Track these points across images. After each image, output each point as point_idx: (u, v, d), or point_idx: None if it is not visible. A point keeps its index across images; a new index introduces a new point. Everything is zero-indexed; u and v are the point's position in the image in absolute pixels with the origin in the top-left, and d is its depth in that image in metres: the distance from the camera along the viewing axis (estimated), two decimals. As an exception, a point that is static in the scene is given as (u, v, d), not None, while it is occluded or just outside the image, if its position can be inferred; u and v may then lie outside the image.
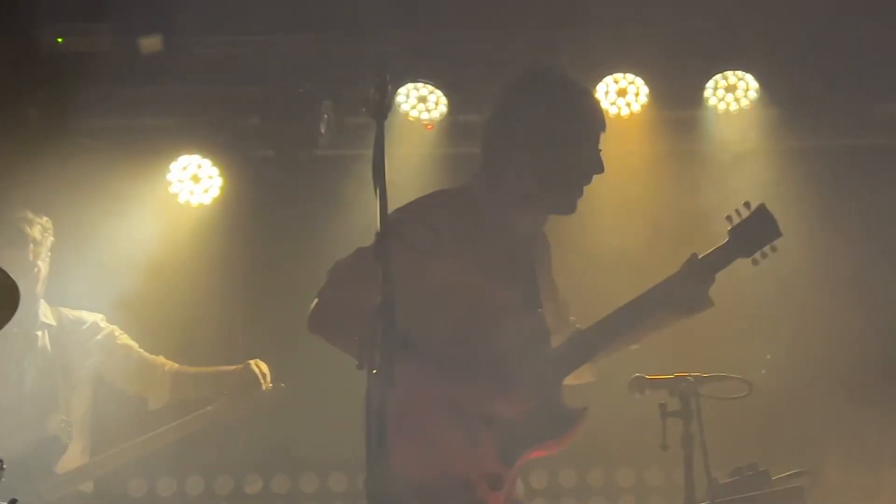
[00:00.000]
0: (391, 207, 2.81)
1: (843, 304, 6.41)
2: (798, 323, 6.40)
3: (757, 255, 3.81)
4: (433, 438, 3.32)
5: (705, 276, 3.69)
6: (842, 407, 5.99)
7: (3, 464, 3.85)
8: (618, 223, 6.32)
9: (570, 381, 3.74)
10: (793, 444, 5.90)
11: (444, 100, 6.40)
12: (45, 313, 5.39)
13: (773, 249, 3.82)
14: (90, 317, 5.44)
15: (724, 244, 3.78)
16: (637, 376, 4.26)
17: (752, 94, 6.35)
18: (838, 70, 6.17)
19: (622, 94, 6.37)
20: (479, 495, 3.32)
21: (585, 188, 3.60)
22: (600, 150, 3.63)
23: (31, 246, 5.27)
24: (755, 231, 3.79)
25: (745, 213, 3.82)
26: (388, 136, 2.94)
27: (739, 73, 6.33)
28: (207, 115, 6.42)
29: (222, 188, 6.52)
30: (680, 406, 4.00)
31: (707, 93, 6.37)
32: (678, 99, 6.46)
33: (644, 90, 6.35)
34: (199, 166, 6.52)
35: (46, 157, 6.32)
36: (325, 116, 6.30)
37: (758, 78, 6.32)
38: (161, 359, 5.43)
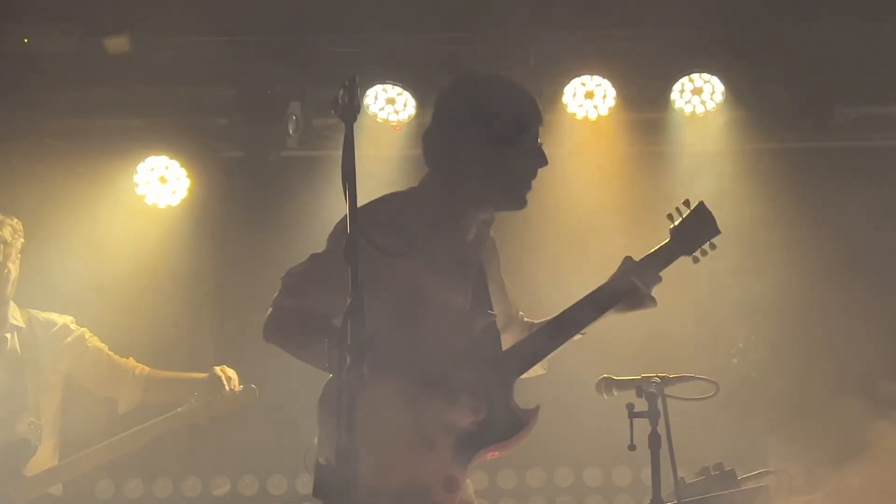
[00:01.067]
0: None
1: (809, 302, 6.47)
2: (764, 323, 6.46)
3: (697, 252, 3.82)
4: (393, 445, 3.34)
5: (648, 275, 3.71)
6: (808, 405, 6.04)
7: None
8: (586, 225, 6.35)
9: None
10: (759, 443, 5.94)
11: (412, 101, 6.40)
12: (15, 315, 5.34)
13: (713, 247, 3.85)
14: (60, 319, 5.39)
15: (665, 243, 3.82)
16: (605, 377, 4.29)
17: (718, 97, 6.39)
18: (801, 73, 6.22)
19: (590, 97, 6.39)
20: (436, 498, 3.35)
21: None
22: (541, 144, 3.64)
23: (1, 247, 5.23)
24: (696, 229, 3.84)
25: (685, 212, 3.85)
26: (357, 138, 2.94)
27: (706, 75, 6.37)
28: (175, 116, 6.40)
29: (190, 189, 6.49)
30: (647, 406, 4.02)
31: (674, 95, 6.41)
32: (645, 101, 6.50)
33: (611, 92, 6.38)
34: (167, 167, 6.50)
35: (13, 157, 6.29)
36: (294, 117, 6.29)
37: (723, 81, 6.37)
38: (132, 361, 5.41)
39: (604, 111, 6.40)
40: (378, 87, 6.37)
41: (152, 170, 6.49)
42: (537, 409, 3.56)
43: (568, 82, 6.37)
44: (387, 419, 3.32)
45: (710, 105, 6.39)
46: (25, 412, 5.21)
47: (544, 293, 6.40)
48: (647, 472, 4.04)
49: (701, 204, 3.88)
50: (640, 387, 4.09)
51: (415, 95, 6.40)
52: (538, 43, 6.36)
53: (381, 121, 6.41)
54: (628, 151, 6.57)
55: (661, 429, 3.99)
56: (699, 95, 6.39)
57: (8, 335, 5.30)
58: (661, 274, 3.79)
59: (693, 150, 6.52)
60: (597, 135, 6.44)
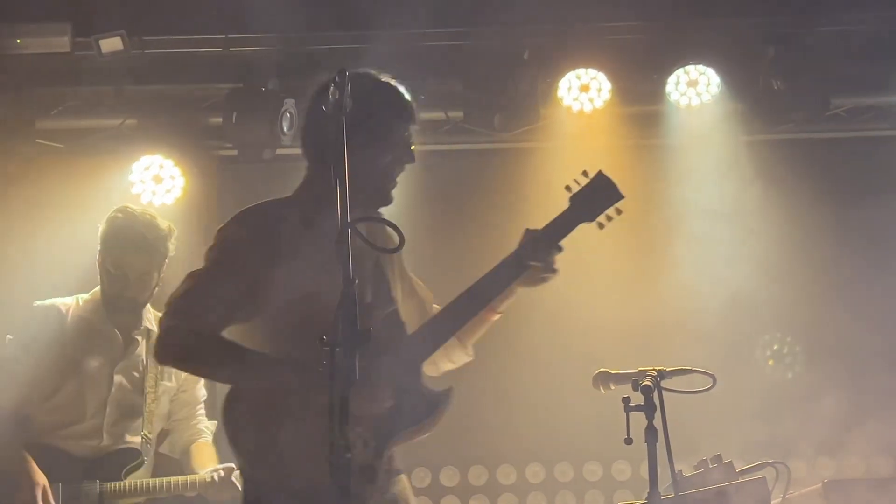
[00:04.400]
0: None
1: (810, 293, 6.47)
2: (759, 314, 6.45)
3: (601, 218, 3.82)
4: (303, 446, 3.31)
5: (548, 244, 3.70)
6: (808, 397, 6.04)
7: None
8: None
9: (447, 365, 3.79)
10: (757, 435, 5.94)
11: (406, 97, 6.38)
12: (149, 318, 5.03)
13: (619, 212, 3.84)
14: None
15: (564, 211, 3.79)
16: (601, 371, 4.28)
17: (714, 89, 6.38)
18: (797, 64, 6.21)
19: (585, 90, 6.38)
20: (354, 489, 3.34)
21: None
22: (411, 142, 3.64)
23: (150, 256, 4.97)
24: (596, 196, 3.82)
25: (584, 181, 3.84)
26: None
27: (701, 67, 6.36)
28: (169, 115, 6.38)
29: (185, 188, 6.48)
30: (644, 400, 4.01)
31: (669, 87, 6.39)
32: (641, 94, 6.49)
33: (606, 86, 6.37)
34: (161, 166, 6.48)
35: (6, 158, 6.28)
36: (288, 115, 6.27)
37: (719, 72, 6.35)
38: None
39: (599, 104, 6.39)
40: (372, 83, 6.34)
41: (147, 169, 6.48)
42: (450, 390, 3.54)
43: (563, 76, 6.36)
44: (295, 421, 3.32)
45: (706, 97, 6.38)
46: (141, 422, 4.97)
47: (540, 290, 6.42)
48: (646, 465, 4.02)
49: (600, 172, 3.86)
50: (636, 380, 4.08)
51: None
52: (532, 37, 6.35)
53: (375, 117, 6.37)
54: (624, 144, 6.55)
55: (657, 422, 3.98)
56: (694, 87, 6.38)
57: (139, 338, 5.03)
58: (563, 243, 3.75)
59: (689, 142, 6.51)
60: (592, 128, 6.44)
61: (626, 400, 4.01)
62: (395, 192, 3.64)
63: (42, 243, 6.08)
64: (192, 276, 3.46)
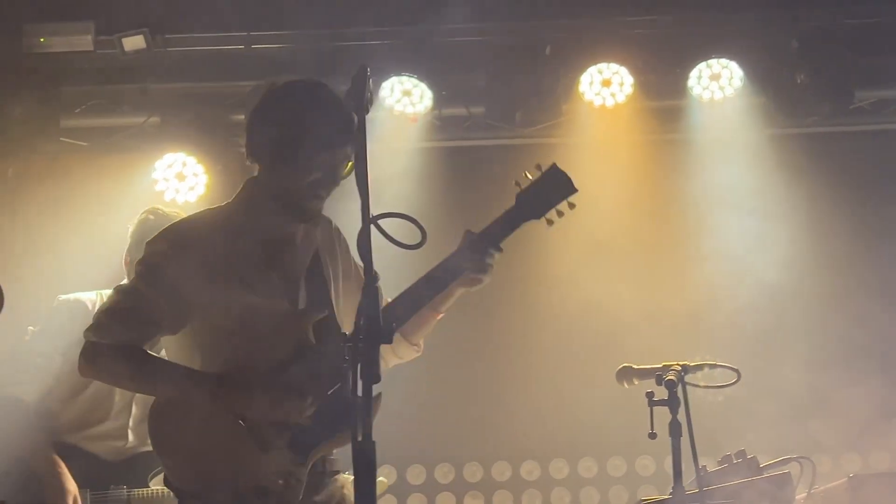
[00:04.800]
0: (373, 200, 2.80)
1: (835, 287, 6.44)
2: (785, 307, 6.43)
3: (550, 214, 3.70)
4: (227, 455, 3.39)
5: (484, 247, 3.61)
6: (833, 392, 6.01)
7: None
8: (604, 212, 6.32)
9: (393, 360, 3.77)
10: (782, 430, 5.92)
11: (428, 93, 6.39)
12: None
13: (572, 206, 3.71)
14: None
15: (506, 211, 3.69)
16: (625, 366, 4.27)
17: (737, 83, 6.35)
18: (821, 57, 6.18)
19: (607, 85, 6.37)
20: (279, 498, 3.40)
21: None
22: (336, 164, 3.54)
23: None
24: (545, 192, 3.69)
25: (536, 175, 3.73)
26: (373, 130, 2.93)
27: (724, 61, 6.33)
28: (192, 113, 6.40)
29: (208, 185, 6.50)
30: (667, 395, 4.00)
31: (691, 82, 6.37)
32: (663, 88, 6.47)
33: (629, 80, 6.35)
34: (185, 164, 6.51)
35: (32, 156, 6.32)
36: (311, 111, 6.27)
37: (742, 66, 6.32)
38: None
39: (621, 99, 6.37)
40: (394, 80, 6.36)
41: (170, 166, 6.51)
42: (378, 395, 3.45)
43: (584, 71, 6.35)
44: (218, 431, 3.38)
45: (729, 91, 6.36)
46: (119, 410, 4.97)
47: (564, 280, 6.42)
48: (670, 461, 4.01)
49: (553, 166, 3.73)
50: (659, 375, 4.06)
51: (431, 87, 6.39)
52: (554, 32, 6.34)
53: (397, 113, 6.39)
54: (646, 139, 6.55)
55: (681, 417, 3.96)
56: (717, 81, 6.36)
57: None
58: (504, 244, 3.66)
59: (712, 136, 6.49)
60: (615, 123, 6.42)
61: (649, 395, 4.00)
62: (323, 204, 3.59)
63: (67, 240, 6.11)
64: (117, 292, 3.51)
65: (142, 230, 4.98)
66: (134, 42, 6.21)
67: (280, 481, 3.39)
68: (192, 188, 6.51)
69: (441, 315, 3.76)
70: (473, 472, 6.72)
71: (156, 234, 3.58)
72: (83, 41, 6.26)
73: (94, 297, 5.03)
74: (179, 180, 6.51)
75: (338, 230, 3.75)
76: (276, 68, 6.30)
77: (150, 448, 4.85)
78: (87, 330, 3.50)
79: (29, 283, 5.72)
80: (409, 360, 3.84)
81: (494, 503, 6.71)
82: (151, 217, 5.00)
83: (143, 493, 4.89)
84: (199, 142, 6.46)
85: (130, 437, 4.89)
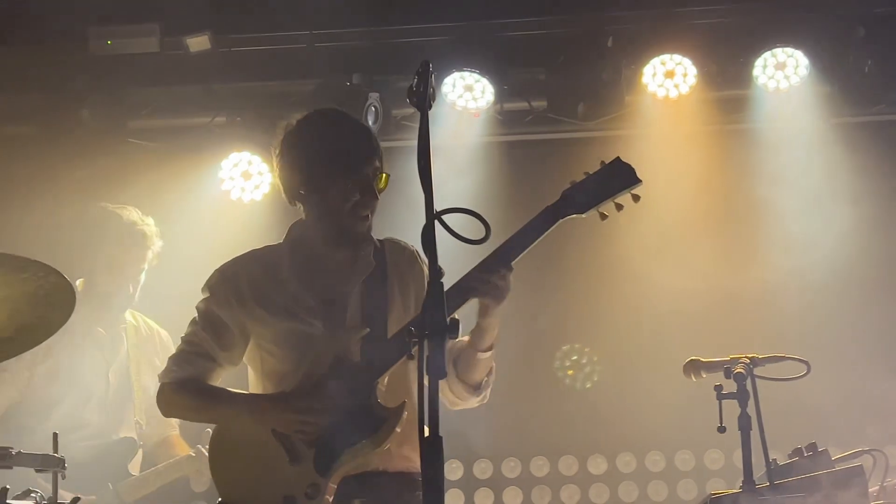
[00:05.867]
0: (437, 195, 2.81)
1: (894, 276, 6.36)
2: (860, 299, 6.35)
3: (606, 207, 3.68)
4: (260, 466, 3.66)
5: (495, 267, 3.60)
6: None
7: (64, 463, 3.92)
8: (670, 204, 6.29)
9: (450, 398, 3.82)
10: (853, 423, 5.84)
11: (490, 88, 6.39)
12: (132, 314, 5.46)
13: (636, 199, 3.68)
14: (164, 333, 5.48)
15: (542, 210, 3.69)
16: (692, 359, 4.25)
17: (803, 71, 6.26)
18: (888, 44, 6.08)
19: (670, 76, 6.31)
20: None
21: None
22: (374, 177, 3.73)
23: (150, 251, 5.36)
24: (602, 184, 3.68)
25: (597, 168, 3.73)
26: (436, 126, 2.94)
27: (789, 49, 6.25)
28: (256, 112, 6.45)
29: (273, 184, 6.54)
30: (736, 388, 3.97)
31: (756, 71, 6.30)
32: (727, 78, 6.40)
33: (692, 71, 6.30)
34: (250, 163, 6.57)
35: (100, 158, 6.41)
36: (373, 108, 6.31)
37: (807, 54, 6.24)
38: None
39: (684, 90, 6.32)
40: (456, 75, 6.36)
41: (236, 166, 6.58)
42: (403, 405, 3.64)
43: (647, 62, 6.30)
44: (255, 444, 3.67)
45: (794, 80, 6.27)
46: (133, 411, 5.30)
47: (631, 272, 6.39)
48: (739, 454, 3.98)
49: (616, 159, 3.71)
50: (728, 368, 4.04)
51: (492, 82, 6.38)
52: (616, 24, 6.31)
53: (459, 108, 6.40)
54: (710, 129, 6.49)
55: (751, 410, 3.93)
56: (783, 70, 6.27)
57: (124, 334, 5.39)
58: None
59: (777, 125, 6.41)
60: (678, 114, 6.37)
61: (718, 388, 3.98)
62: (370, 223, 3.79)
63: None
64: (181, 339, 3.90)
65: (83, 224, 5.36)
66: (199, 43, 6.29)
67: (306, 492, 3.59)
68: (257, 186, 6.58)
69: (485, 353, 3.76)
70: (540, 467, 6.72)
71: (211, 274, 3.89)
72: (149, 43, 6.34)
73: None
74: (245, 179, 6.58)
75: (416, 253, 3.88)
76: (337, 66, 6.35)
77: (123, 436, 5.11)
78: (160, 374, 3.88)
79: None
80: (472, 407, 3.90)
81: (562, 498, 6.70)
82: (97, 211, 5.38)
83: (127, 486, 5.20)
84: (263, 141, 6.51)
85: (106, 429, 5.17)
